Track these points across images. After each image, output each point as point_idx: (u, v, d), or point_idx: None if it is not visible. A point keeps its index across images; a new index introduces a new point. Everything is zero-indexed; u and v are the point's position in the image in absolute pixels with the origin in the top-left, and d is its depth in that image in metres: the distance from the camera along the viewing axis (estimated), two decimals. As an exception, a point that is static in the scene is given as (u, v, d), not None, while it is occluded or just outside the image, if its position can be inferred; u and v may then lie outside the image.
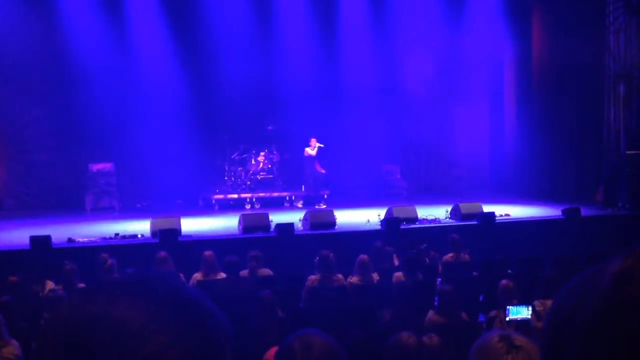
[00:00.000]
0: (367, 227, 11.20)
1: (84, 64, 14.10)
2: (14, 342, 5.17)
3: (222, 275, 7.85)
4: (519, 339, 1.77)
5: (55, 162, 14.32)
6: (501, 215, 11.90)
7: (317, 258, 7.65)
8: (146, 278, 0.83)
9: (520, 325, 5.74)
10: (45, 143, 14.36)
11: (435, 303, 6.59)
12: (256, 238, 10.21)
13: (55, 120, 14.27)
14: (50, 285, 7.37)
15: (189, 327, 0.77)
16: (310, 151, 14.15)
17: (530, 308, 5.91)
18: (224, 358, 0.79)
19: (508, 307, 5.93)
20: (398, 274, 7.75)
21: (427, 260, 8.81)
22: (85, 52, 14.08)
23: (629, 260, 0.73)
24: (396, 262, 8.67)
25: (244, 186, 14.73)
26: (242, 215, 10.98)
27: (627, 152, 13.46)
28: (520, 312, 5.88)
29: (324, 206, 13.71)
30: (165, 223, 10.44)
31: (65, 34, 14.11)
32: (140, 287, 0.80)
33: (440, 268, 8.81)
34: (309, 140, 14.17)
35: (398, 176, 15.88)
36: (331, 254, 7.70)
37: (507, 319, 5.85)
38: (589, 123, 14.51)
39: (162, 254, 8.11)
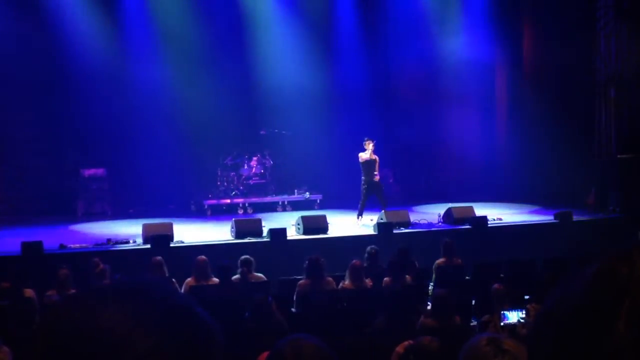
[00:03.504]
0: (360, 232, 11.20)
1: (76, 68, 14.05)
2: (5, 348, 5.15)
3: (215, 280, 7.84)
4: (508, 343, 1.77)
5: (46, 167, 14.26)
6: (493, 219, 11.93)
7: (307, 262, 7.65)
8: (134, 284, 0.83)
9: (514, 329, 5.76)
10: (37, 148, 14.30)
11: (428, 307, 6.61)
12: (249, 243, 10.20)
13: (47, 125, 14.22)
14: (29, 293, 7.32)
15: (176, 333, 0.77)
16: (365, 155, 12.20)
17: (524, 312, 5.93)
18: None
19: (503, 311, 5.94)
20: (387, 279, 7.76)
21: (416, 264, 8.82)
22: (77, 57, 14.04)
23: (605, 263, 0.75)
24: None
25: (236, 191, 14.71)
26: (235, 220, 10.97)
27: (619, 156, 13.53)
28: (515, 316, 5.90)
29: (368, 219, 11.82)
30: (157, 228, 10.42)
31: (57, 38, 14.06)
32: (127, 293, 0.80)
33: (432, 272, 8.83)
34: (363, 143, 12.33)
35: (391, 180, 15.89)
36: (320, 258, 7.70)
37: (502, 323, 5.86)
38: (581, 127, 14.56)
39: (157, 259, 8.10)
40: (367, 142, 12.25)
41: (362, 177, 12.31)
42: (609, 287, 0.72)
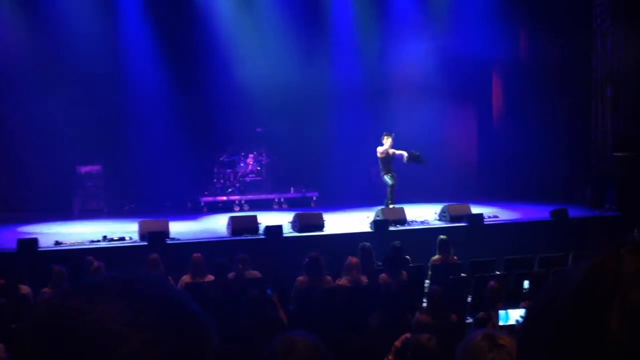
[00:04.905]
0: (356, 229, 11.20)
1: (72, 65, 14.00)
2: (0, 345, 5.14)
3: (211, 277, 7.84)
4: (503, 338, 1.78)
5: (42, 164, 14.21)
6: (489, 217, 11.95)
7: (306, 260, 7.65)
8: (128, 279, 0.82)
9: (513, 328, 5.76)
10: (33, 145, 14.24)
11: (424, 304, 6.62)
12: (245, 240, 10.19)
13: (42, 122, 14.17)
14: (25, 289, 7.31)
15: (170, 328, 0.77)
16: (383, 149, 12.03)
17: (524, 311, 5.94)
18: (205, 357, 0.79)
19: (502, 310, 5.95)
20: (383, 275, 7.77)
21: (409, 258, 8.83)
22: (74, 53, 13.99)
23: (595, 261, 0.75)
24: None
25: (232, 188, 14.71)
26: (231, 217, 10.97)
27: (615, 153, 13.55)
28: (516, 315, 5.90)
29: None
30: (153, 225, 10.40)
31: (54, 35, 14.02)
32: (121, 288, 0.80)
33: (428, 269, 8.84)
34: (381, 137, 12.15)
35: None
36: (320, 256, 7.71)
37: (500, 323, 5.86)
38: (577, 125, 14.60)
39: (154, 256, 8.09)
40: (385, 137, 12.16)
41: (381, 172, 12.22)
42: (600, 285, 0.72)
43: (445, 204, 11.94)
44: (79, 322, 0.75)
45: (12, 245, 9.48)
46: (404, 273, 7.81)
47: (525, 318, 0.81)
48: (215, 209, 14.06)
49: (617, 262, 0.73)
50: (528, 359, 0.78)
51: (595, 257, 0.75)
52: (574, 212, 11.98)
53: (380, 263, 8.66)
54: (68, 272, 7.51)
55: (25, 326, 0.79)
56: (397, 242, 8.81)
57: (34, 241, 9.49)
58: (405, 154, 12.13)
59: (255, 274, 8.11)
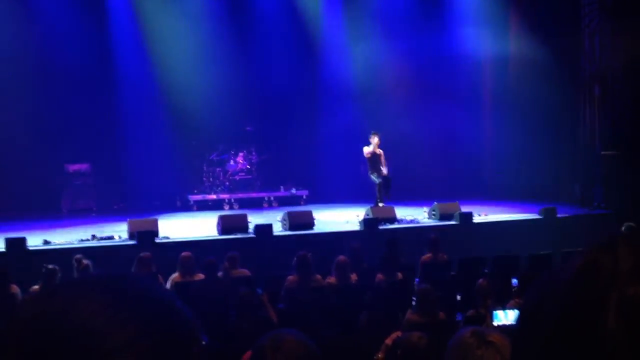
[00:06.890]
0: (346, 228, 11.21)
1: (60, 63, 13.93)
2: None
3: (200, 276, 7.82)
4: (493, 335, 1.78)
5: (30, 162, 14.11)
6: (479, 215, 11.99)
7: (295, 259, 7.64)
8: (111, 276, 0.82)
9: (506, 328, 5.77)
10: (21, 143, 14.14)
11: (413, 302, 6.63)
12: (235, 239, 10.17)
13: (31, 120, 14.08)
14: (14, 289, 7.26)
15: (153, 325, 0.76)
16: (369, 149, 12.07)
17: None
18: (189, 356, 0.79)
19: (494, 311, 5.95)
20: (379, 275, 7.78)
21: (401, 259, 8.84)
22: (62, 52, 13.92)
23: (589, 256, 0.74)
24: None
25: (222, 187, 14.69)
26: (221, 216, 10.94)
27: (602, 152, 13.63)
28: (507, 316, 5.90)
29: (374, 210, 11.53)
30: (142, 224, 10.37)
31: (41, 33, 13.94)
32: (103, 285, 0.79)
33: (418, 268, 8.85)
34: (369, 137, 12.20)
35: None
36: (309, 255, 7.70)
37: (495, 324, 5.87)
38: (565, 124, 14.66)
39: (146, 254, 8.05)
40: (372, 136, 12.18)
41: (369, 172, 12.27)
42: (595, 281, 0.71)
43: (435, 202, 11.96)
44: (61, 320, 0.74)
45: (-1, 244, 9.43)
46: (400, 275, 7.83)
47: (518, 318, 0.80)
48: (205, 207, 14.04)
49: (612, 257, 0.71)
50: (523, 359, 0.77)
51: (588, 254, 0.74)
52: (562, 210, 12.05)
53: (369, 262, 8.66)
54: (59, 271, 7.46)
55: (6, 326, 0.78)
56: (391, 238, 8.83)
57: (22, 240, 9.43)
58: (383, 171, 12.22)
59: (243, 272, 8.09)
